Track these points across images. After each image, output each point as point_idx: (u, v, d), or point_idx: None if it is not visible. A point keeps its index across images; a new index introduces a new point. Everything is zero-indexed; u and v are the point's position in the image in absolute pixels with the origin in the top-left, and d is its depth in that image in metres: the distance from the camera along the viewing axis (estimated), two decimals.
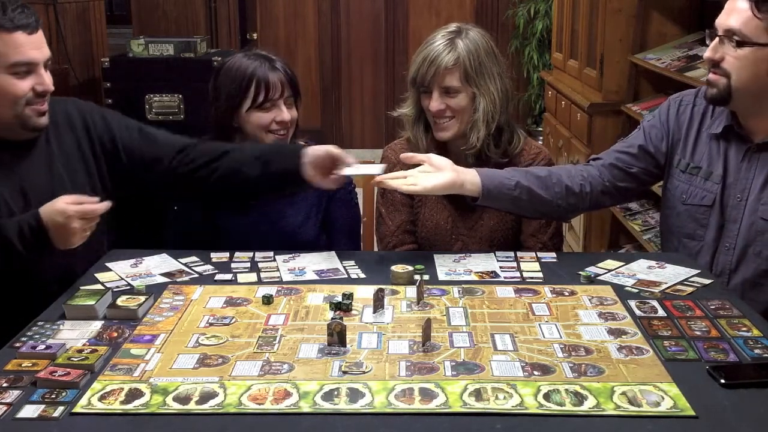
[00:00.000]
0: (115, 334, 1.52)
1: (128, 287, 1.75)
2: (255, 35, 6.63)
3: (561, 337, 1.50)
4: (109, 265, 1.88)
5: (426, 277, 1.79)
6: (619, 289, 1.74)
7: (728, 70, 1.81)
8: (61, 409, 1.24)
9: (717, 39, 1.83)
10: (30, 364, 1.38)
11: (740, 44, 1.78)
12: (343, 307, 1.62)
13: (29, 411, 1.24)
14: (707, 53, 1.86)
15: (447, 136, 2.11)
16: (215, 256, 1.94)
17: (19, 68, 1.78)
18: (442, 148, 2.16)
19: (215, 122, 2.14)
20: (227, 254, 1.95)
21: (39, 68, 1.82)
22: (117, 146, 1.98)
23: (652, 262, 1.89)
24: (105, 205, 1.72)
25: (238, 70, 2.08)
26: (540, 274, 1.83)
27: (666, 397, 1.28)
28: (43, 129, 1.88)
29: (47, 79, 1.83)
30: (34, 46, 1.80)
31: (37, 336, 1.50)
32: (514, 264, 1.89)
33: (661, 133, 2.03)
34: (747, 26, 1.77)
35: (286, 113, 2.09)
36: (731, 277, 1.91)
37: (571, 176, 1.99)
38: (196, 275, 1.83)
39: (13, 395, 1.28)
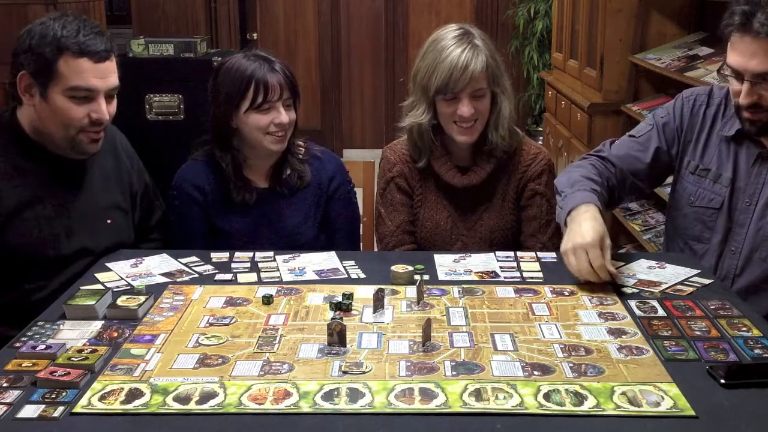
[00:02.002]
0: (115, 334, 1.51)
1: (128, 287, 1.75)
2: (255, 35, 6.64)
3: (561, 337, 1.50)
4: (109, 265, 1.88)
5: (426, 277, 1.79)
6: (619, 289, 1.74)
7: None
8: (61, 409, 1.24)
9: (748, 84, 1.75)
10: (30, 364, 1.38)
11: None
12: (343, 307, 1.62)
13: (29, 411, 1.24)
14: (743, 100, 1.77)
15: (472, 140, 2.10)
16: (215, 256, 1.94)
17: (77, 92, 1.77)
18: (445, 149, 2.16)
19: (214, 122, 2.14)
20: (227, 254, 1.95)
21: (99, 96, 1.80)
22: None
23: (652, 262, 1.89)
24: None
25: (238, 71, 2.07)
26: (540, 274, 1.83)
27: (666, 397, 1.28)
28: (94, 154, 1.90)
29: (104, 109, 1.81)
30: (98, 74, 1.78)
31: (37, 336, 1.50)
32: (514, 264, 1.89)
33: (673, 134, 2.02)
34: None
35: (284, 115, 2.08)
36: (735, 281, 1.91)
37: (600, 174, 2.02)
38: (196, 275, 1.83)
39: (13, 395, 1.28)
